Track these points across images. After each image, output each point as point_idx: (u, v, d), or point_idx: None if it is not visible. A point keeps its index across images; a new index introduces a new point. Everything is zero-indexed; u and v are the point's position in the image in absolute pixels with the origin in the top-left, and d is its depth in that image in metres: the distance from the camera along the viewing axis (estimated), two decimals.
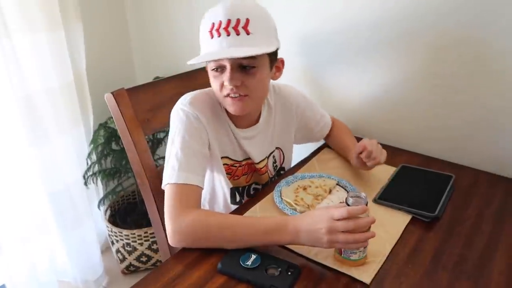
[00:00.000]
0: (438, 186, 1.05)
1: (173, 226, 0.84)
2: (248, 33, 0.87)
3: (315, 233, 0.77)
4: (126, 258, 1.77)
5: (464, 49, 1.12)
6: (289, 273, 0.76)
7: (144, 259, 1.77)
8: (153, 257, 1.78)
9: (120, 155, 1.73)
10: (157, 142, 1.79)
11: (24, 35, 1.38)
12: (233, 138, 1.04)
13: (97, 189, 1.83)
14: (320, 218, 0.77)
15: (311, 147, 1.31)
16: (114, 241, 1.77)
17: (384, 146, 1.31)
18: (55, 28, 1.47)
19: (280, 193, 1.03)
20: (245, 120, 1.04)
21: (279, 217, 0.89)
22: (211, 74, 0.94)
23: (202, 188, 0.92)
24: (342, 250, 0.78)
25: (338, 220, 0.76)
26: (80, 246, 1.68)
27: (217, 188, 1.09)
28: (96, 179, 1.73)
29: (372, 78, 1.31)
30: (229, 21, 0.86)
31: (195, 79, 1.24)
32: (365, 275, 0.78)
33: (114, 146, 1.73)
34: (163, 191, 0.91)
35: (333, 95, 1.36)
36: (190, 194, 0.89)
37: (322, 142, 1.34)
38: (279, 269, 0.76)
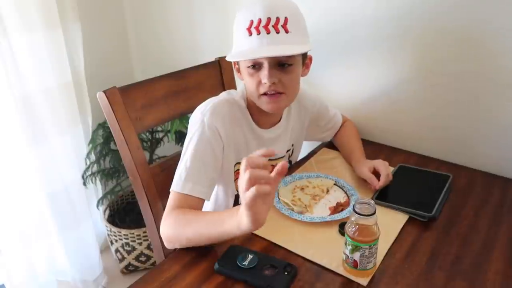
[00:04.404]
0: (436, 185, 1.05)
1: (161, 229, 0.87)
2: (287, 32, 0.88)
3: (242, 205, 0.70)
4: (125, 258, 1.78)
5: (462, 48, 1.12)
6: (286, 273, 0.76)
7: (143, 258, 1.77)
8: (152, 257, 1.78)
9: (119, 155, 1.71)
10: (156, 142, 1.79)
11: (22, 34, 1.38)
12: (256, 143, 1.04)
13: (96, 189, 1.83)
14: None
15: (308, 147, 1.32)
16: (113, 241, 1.77)
17: (382, 146, 1.32)
18: (53, 27, 1.47)
19: (278, 193, 1.03)
20: (270, 120, 1.06)
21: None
22: (245, 72, 0.94)
23: (204, 200, 0.92)
24: (358, 262, 0.76)
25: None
26: (79, 246, 1.69)
27: (219, 197, 1.09)
28: (95, 179, 1.73)
29: (369, 77, 1.31)
30: (269, 19, 0.87)
31: (187, 78, 1.24)
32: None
33: (112, 146, 1.73)
34: (155, 189, 0.91)
35: (329, 95, 1.36)
36: (190, 204, 0.89)
37: (319, 142, 1.34)
38: (276, 269, 0.77)
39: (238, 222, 0.73)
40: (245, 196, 0.66)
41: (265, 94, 0.92)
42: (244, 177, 0.66)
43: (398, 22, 1.20)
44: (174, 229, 0.85)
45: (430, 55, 1.18)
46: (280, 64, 0.90)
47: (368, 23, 1.25)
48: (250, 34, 0.88)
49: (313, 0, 1.31)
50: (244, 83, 0.98)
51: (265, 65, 0.89)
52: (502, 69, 1.08)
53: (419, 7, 1.15)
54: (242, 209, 0.70)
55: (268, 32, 0.87)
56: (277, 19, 0.87)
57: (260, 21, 0.86)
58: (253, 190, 0.64)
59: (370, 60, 1.29)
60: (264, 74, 0.89)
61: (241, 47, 0.91)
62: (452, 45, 1.13)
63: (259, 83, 0.92)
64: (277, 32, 0.87)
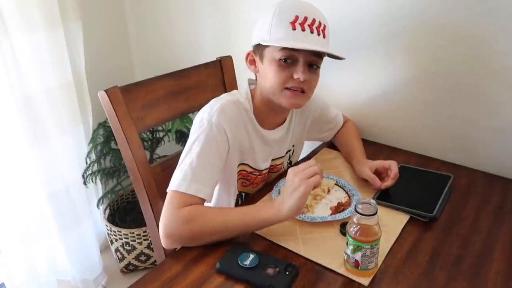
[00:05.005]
0: (437, 186, 1.05)
1: (167, 228, 0.85)
2: (324, 37, 0.92)
3: (294, 190, 0.81)
4: (125, 257, 1.78)
5: (463, 48, 1.12)
6: (287, 272, 0.76)
7: (143, 258, 1.78)
8: (152, 256, 1.78)
9: (119, 154, 1.70)
10: (156, 141, 1.79)
11: (23, 34, 1.38)
12: (260, 143, 1.04)
13: (96, 188, 1.83)
14: (290, 180, 0.83)
15: (309, 147, 1.32)
16: (113, 240, 1.77)
17: (382, 146, 1.32)
18: (54, 27, 1.47)
19: (279, 193, 1.03)
20: (276, 121, 1.06)
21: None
22: (273, 64, 0.93)
23: (204, 201, 0.91)
24: (360, 262, 0.76)
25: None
26: (79, 245, 1.68)
27: (221, 196, 1.09)
28: (95, 178, 1.73)
29: (369, 78, 1.31)
30: (314, 20, 0.90)
31: (188, 77, 1.24)
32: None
33: (113, 145, 1.73)
34: (156, 188, 0.91)
35: (330, 95, 1.35)
36: (192, 204, 0.88)
37: (320, 142, 1.34)
38: (277, 268, 0.77)
39: (277, 208, 0.83)
40: (310, 181, 0.80)
41: (289, 88, 0.93)
42: (312, 168, 0.82)
43: (398, 23, 1.20)
44: (189, 224, 0.84)
45: (430, 55, 1.18)
46: (310, 65, 0.93)
47: (368, 23, 1.25)
48: (294, 28, 0.89)
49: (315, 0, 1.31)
50: (262, 75, 0.97)
51: (301, 61, 0.91)
52: (502, 69, 1.08)
53: (419, 6, 1.15)
54: (291, 195, 0.81)
55: (312, 32, 0.90)
56: (319, 23, 0.91)
57: (306, 19, 0.89)
58: (318, 177, 0.81)
59: (370, 60, 1.29)
60: (299, 69, 0.91)
61: (281, 37, 0.90)
62: (452, 45, 1.13)
63: (289, 77, 0.92)
64: (318, 34, 0.91)
